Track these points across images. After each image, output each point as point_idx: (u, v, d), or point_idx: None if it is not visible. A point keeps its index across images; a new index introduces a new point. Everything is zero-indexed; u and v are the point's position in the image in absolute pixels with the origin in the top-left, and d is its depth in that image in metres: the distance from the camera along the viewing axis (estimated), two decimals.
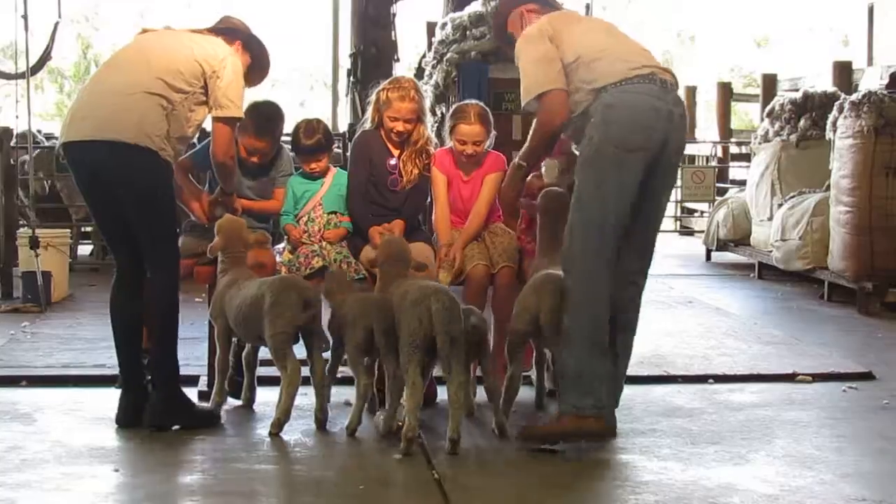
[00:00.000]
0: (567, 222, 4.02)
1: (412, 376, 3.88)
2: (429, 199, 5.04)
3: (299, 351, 4.23)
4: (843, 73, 10.54)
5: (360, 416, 4.14)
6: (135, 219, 4.18)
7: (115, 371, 4.57)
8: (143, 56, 4.26)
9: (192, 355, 5.37)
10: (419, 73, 8.72)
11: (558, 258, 4.27)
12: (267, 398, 4.46)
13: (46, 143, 9.72)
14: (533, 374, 4.69)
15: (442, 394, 4.33)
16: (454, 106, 5.09)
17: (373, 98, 4.93)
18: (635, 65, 4.02)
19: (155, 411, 4.19)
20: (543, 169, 4.68)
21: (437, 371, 4.24)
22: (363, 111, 5.99)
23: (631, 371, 4.35)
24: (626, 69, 4.00)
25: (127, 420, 4.22)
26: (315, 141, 4.91)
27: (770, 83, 10.95)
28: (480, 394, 4.33)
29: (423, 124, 4.86)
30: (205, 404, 4.40)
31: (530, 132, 4.22)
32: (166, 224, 4.24)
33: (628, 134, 3.92)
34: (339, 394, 4.52)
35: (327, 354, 4.28)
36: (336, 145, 5.61)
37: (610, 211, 3.92)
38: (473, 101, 5.02)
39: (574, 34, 4.12)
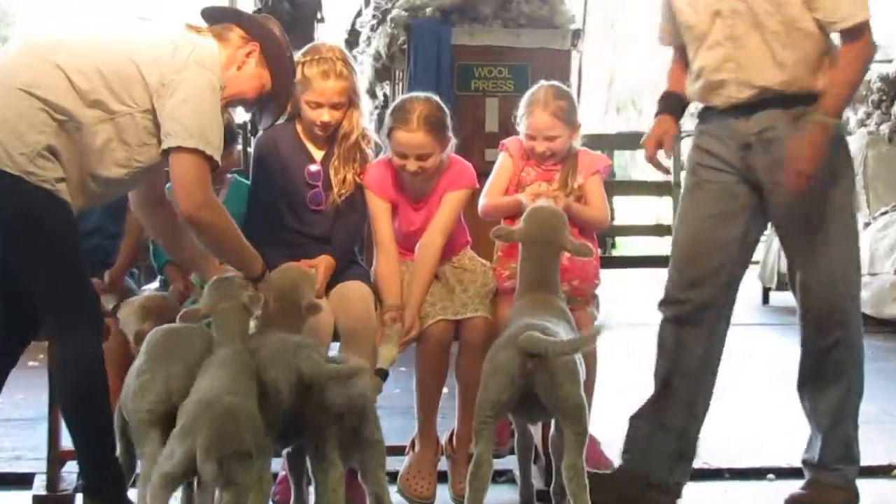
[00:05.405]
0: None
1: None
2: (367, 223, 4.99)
3: None
4: None
5: None
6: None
7: None
8: (61, 44, 4.09)
9: (26, 444, 5.32)
10: (353, 38, 8.78)
11: (544, 300, 4.34)
12: None
13: None
14: (516, 468, 4.71)
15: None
16: (395, 102, 5.05)
17: None
18: None
19: None
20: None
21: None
22: None
23: None
24: None
25: None
26: (226, 123, 4.91)
27: None
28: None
29: (356, 109, 4.86)
30: None
31: (844, 70, 4.34)
32: (50, 267, 4.06)
33: None
34: None
35: None
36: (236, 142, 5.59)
37: None
38: (422, 96, 4.89)
39: None
